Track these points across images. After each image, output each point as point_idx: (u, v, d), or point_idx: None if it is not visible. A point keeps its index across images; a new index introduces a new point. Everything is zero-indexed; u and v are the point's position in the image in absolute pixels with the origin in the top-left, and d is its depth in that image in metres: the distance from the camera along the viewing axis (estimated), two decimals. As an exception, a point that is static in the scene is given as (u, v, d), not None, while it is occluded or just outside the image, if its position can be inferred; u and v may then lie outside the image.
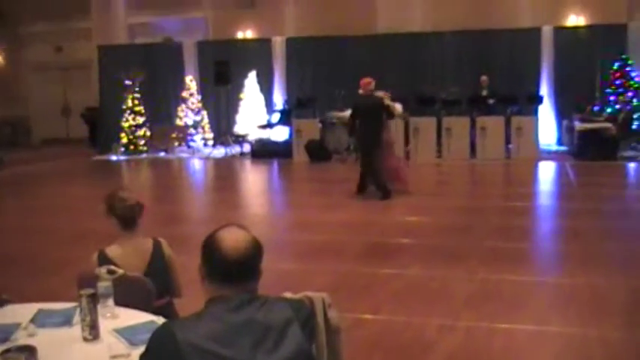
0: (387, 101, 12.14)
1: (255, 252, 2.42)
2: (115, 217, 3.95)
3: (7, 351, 2.84)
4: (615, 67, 16.62)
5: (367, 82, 11.91)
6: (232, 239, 2.40)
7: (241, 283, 2.39)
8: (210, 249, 2.40)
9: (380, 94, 12.13)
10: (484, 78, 16.99)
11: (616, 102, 16.39)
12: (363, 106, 11.80)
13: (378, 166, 11.69)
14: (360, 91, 11.97)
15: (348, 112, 12.45)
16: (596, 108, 16.62)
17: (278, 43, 20.26)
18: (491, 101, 16.65)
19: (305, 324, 2.44)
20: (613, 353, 4.97)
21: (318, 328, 2.64)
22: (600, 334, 5.26)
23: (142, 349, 2.72)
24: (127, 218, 3.97)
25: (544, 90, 17.90)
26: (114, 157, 19.30)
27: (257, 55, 20.08)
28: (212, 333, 2.23)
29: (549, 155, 16.46)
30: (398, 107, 12.96)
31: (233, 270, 2.37)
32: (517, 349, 5.10)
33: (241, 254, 2.37)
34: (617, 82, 16.54)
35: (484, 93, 16.95)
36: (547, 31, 18.08)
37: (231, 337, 2.24)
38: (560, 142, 17.85)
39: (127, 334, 3.04)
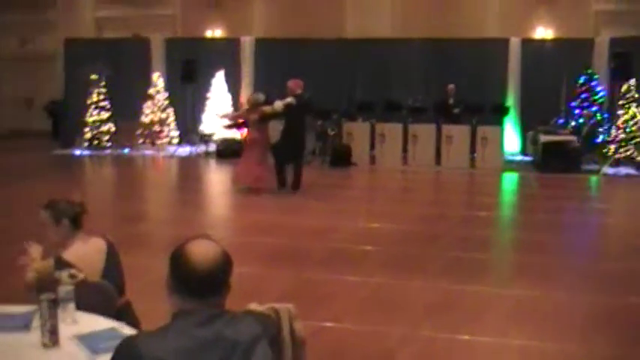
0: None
1: (224, 266, 2.38)
2: (67, 219, 3.93)
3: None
4: (581, 81, 16.79)
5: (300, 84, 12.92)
6: (201, 253, 2.35)
7: (210, 298, 2.34)
8: (178, 262, 2.34)
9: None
10: (451, 86, 17.07)
11: (580, 115, 16.56)
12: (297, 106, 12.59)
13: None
14: (298, 92, 12.76)
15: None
16: (560, 121, 16.80)
17: (247, 43, 20.18)
18: (456, 110, 16.74)
19: (273, 340, 2.42)
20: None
21: (284, 343, 2.62)
22: (559, 348, 5.31)
23: (102, 357, 2.68)
24: (78, 217, 4.00)
25: (510, 101, 18.02)
26: (77, 152, 19.08)
27: (225, 55, 19.98)
28: (178, 348, 2.18)
29: (513, 165, 16.58)
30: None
31: (202, 284, 2.32)
32: (477, 362, 5.12)
33: (211, 268, 2.33)
34: (583, 95, 16.71)
35: (450, 101, 17.04)
36: (515, 43, 18.21)
37: (197, 354, 2.20)
38: (524, 153, 17.99)
39: (89, 341, 2.99)
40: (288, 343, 2.63)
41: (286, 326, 2.64)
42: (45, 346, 3.00)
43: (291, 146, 12.70)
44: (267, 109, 12.67)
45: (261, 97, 13.23)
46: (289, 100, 12.62)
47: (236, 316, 2.38)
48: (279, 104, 12.69)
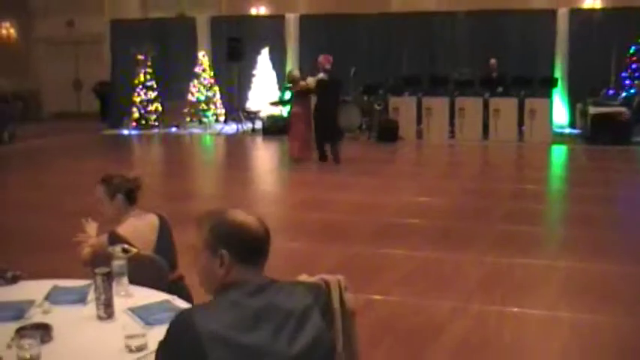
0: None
1: (269, 232, 2.39)
2: (121, 194, 3.98)
3: (23, 328, 2.85)
4: (631, 52, 16.45)
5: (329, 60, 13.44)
6: (251, 218, 2.36)
7: (261, 264, 2.36)
8: (236, 229, 2.32)
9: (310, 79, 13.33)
10: (493, 61, 16.87)
11: (631, 86, 16.23)
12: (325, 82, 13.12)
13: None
14: (327, 67, 13.33)
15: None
16: (610, 92, 16.49)
17: (291, 20, 20.14)
18: (500, 89, 16.53)
19: (324, 310, 2.41)
20: (623, 340, 4.96)
21: (335, 313, 2.62)
22: (611, 321, 5.26)
23: (156, 329, 2.72)
24: (132, 193, 4.04)
25: (558, 72, 17.73)
26: (125, 132, 19.31)
27: (270, 32, 19.98)
28: (232, 320, 2.17)
29: (562, 138, 16.36)
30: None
31: (258, 249, 2.34)
32: (528, 334, 5.09)
33: (264, 233, 2.35)
34: (633, 66, 16.37)
35: (494, 76, 16.85)
36: (562, 14, 17.87)
37: (251, 323, 2.19)
38: (573, 126, 17.71)
39: (142, 313, 3.03)
40: (338, 314, 2.64)
41: (336, 297, 2.64)
42: (100, 318, 3.05)
43: (323, 122, 13.07)
44: (302, 84, 13.12)
45: (296, 72, 13.80)
46: (320, 75, 13.04)
47: (286, 285, 2.37)
48: (310, 80, 13.00)
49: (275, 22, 20.29)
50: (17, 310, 3.14)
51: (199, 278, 2.41)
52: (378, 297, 5.79)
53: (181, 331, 2.18)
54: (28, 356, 2.67)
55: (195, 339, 2.12)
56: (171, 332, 2.23)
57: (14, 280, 3.64)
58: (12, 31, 24.43)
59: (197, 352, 2.11)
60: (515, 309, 5.50)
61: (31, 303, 3.23)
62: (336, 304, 2.63)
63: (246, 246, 2.32)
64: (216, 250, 2.31)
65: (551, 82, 16.86)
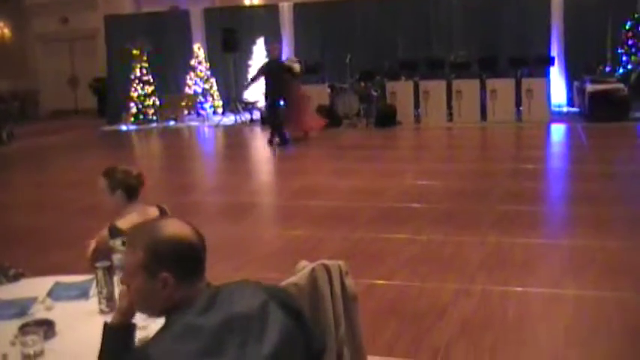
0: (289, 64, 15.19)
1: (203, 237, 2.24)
2: (121, 189, 3.99)
3: (26, 325, 2.86)
4: (627, 27, 16.41)
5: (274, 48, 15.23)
6: (186, 229, 2.20)
7: (204, 271, 2.20)
8: (174, 246, 2.13)
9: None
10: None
11: (628, 62, 16.21)
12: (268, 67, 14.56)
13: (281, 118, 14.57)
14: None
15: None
16: (607, 69, 16.47)
17: (285, 8, 20.11)
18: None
19: (284, 303, 2.24)
20: (630, 315, 4.96)
21: (334, 297, 2.62)
22: (616, 296, 5.26)
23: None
24: (133, 189, 4.05)
25: (554, 51, 17.68)
26: (123, 127, 19.32)
27: (264, 22, 19.98)
28: (196, 350, 1.98)
29: (560, 117, 16.35)
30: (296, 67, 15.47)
31: (203, 257, 2.19)
32: (532, 312, 5.10)
33: (201, 239, 2.20)
34: (629, 41, 16.34)
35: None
36: (557, -10, 17.83)
37: (215, 346, 2.01)
38: (570, 104, 17.68)
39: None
40: (339, 298, 2.63)
41: (337, 281, 2.64)
42: (103, 312, 3.06)
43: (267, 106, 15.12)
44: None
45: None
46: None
47: (234, 289, 2.21)
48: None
49: (269, 11, 20.26)
50: (20, 307, 3.15)
51: (135, 301, 2.23)
52: (381, 281, 5.80)
53: None
54: (31, 352, 2.68)
55: None
56: None
57: (16, 277, 3.65)
58: (6, 30, 24.41)
59: None
60: (519, 288, 5.50)
61: (33, 300, 3.24)
62: (337, 288, 2.63)
63: (188, 263, 2.15)
64: (155, 272, 2.11)
65: (548, 61, 16.82)
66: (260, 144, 15.97)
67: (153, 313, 2.23)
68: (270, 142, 14.35)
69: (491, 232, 7.14)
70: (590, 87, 15.43)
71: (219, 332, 2.03)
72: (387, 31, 18.76)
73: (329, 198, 9.18)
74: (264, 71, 14.54)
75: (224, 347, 2.01)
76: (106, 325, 2.36)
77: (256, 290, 2.22)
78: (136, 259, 2.13)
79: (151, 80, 19.50)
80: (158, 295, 2.11)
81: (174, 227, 2.18)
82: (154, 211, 4.05)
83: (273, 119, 14.60)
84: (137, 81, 19.35)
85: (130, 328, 2.37)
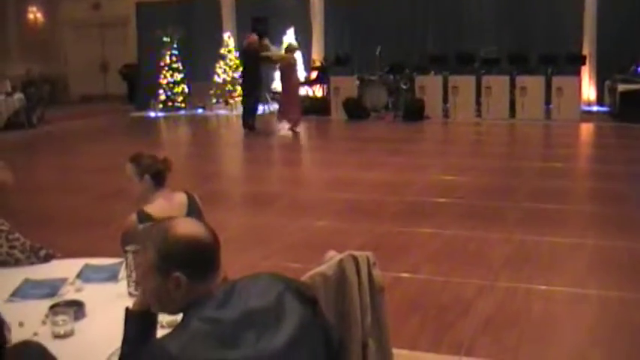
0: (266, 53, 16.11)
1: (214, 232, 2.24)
2: (149, 175, 4.01)
3: (56, 305, 2.91)
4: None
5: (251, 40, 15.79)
6: (198, 228, 2.19)
7: (219, 268, 2.19)
8: (186, 247, 2.12)
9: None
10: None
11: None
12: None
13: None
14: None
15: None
16: (639, 69, 16.29)
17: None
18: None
19: (300, 291, 2.24)
20: (653, 317, 4.94)
21: (361, 288, 2.63)
22: (639, 298, 5.23)
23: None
24: (160, 174, 4.06)
25: (586, 49, 17.51)
26: (152, 114, 19.43)
27: (295, 12, 19.97)
28: (212, 341, 1.98)
29: (590, 116, 16.22)
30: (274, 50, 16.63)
31: (217, 256, 2.19)
32: (555, 311, 5.08)
33: (215, 237, 2.19)
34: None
35: None
36: (590, -12, 17.66)
37: (234, 339, 2.01)
38: (601, 103, 17.52)
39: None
40: (366, 289, 2.64)
41: (365, 272, 2.66)
42: (131, 295, 3.11)
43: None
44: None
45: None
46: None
47: (248, 283, 2.20)
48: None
49: (300, 1, 20.23)
50: (50, 288, 3.20)
51: (149, 299, 2.25)
52: (405, 275, 5.81)
53: None
54: (62, 332, 2.74)
55: None
56: None
57: (47, 258, 3.71)
58: (39, 15, 24.57)
59: None
60: (543, 287, 5.49)
61: (63, 281, 3.30)
62: (364, 279, 2.64)
63: (201, 263, 2.14)
64: (167, 272, 2.11)
65: (579, 59, 16.68)
66: (286, 133, 16.01)
67: (165, 310, 2.24)
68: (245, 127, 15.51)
69: (516, 229, 7.12)
70: (621, 86, 15.28)
71: (236, 326, 2.03)
72: (417, 24, 18.72)
73: (354, 190, 9.18)
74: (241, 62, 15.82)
75: (241, 341, 2.01)
76: (127, 310, 2.39)
77: (271, 282, 2.22)
78: (148, 260, 2.15)
79: (181, 68, 19.61)
80: (171, 294, 2.12)
81: (186, 227, 2.17)
82: (181, 197, 4.08)
83: (244, 108, 15.85)
84: (167, 68, 19.47)
85: (151, 317, 2.39)
